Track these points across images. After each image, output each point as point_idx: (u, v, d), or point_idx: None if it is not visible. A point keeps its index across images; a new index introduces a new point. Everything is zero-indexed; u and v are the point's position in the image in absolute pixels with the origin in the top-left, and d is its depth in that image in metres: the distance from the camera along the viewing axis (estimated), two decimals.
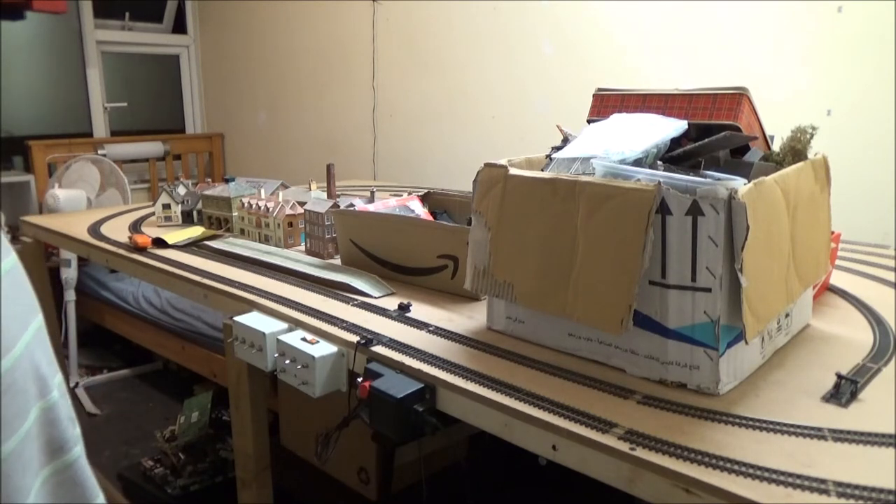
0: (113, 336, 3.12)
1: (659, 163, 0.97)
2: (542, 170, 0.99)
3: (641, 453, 0.70)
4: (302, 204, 1.61)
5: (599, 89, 1.15)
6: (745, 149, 1.03)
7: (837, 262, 1.33)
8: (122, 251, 1.61)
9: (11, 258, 0.53)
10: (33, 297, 0.55)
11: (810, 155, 0.99)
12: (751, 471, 0.66)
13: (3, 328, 0.49)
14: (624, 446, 0.72)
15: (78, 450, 0.57)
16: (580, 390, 0.85)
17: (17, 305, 0.52)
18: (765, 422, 0.76)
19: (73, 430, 0.57)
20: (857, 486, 0.63)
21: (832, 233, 1.08)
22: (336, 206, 1.47)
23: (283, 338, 1.08)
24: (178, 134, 4.12)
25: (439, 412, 0.90)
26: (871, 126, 1.89)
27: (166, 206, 1.92)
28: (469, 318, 1.12)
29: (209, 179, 2.39)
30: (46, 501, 0.53)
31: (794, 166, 0.93)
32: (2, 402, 0.48)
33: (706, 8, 2.17)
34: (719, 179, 0.85)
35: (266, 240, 1.65)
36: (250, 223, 1.70)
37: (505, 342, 1.01)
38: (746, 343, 0.82)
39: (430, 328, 1.08)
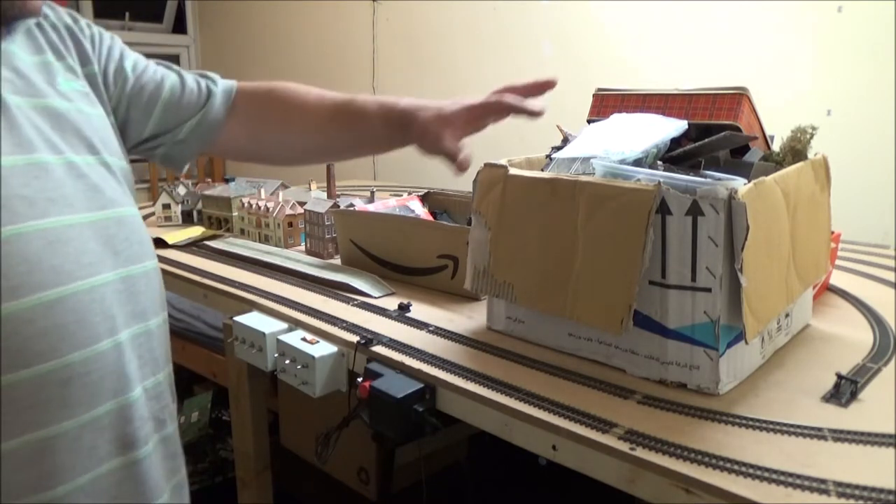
0: None
1: (659, 163, 0.97)
2: (542, 170, 0.99)
3: (641, 453, 0.70)
4: (302, 204, 1.61)
5: (599, 89, 1.15)
6: (745, 149, 1.02)
7: (837, 262, 1.33)
8: None
9: (140, 267, 0.60)
10: (146, 304, 0.61)
11: (810, 155, 0.99)
12: (751, 471, 0.66)
13: (85, 325, 0.53)
14: (624, 446, 0.71)
15: (148, 448, 0.60)
16: (580, 390, 0.85)
17: (120, 309, 0.57)
18: (765, 422, 0.76)
19: (150, 431, 0.60)
20: (857, 486, 0.63)
21: (832, 233, 1.08)
22: (336, 206, 1.47)
23: (283, 338, 1.08)
24: None
25: (439, 412, 0.90)
26: (871, 126, 1.89)
27: (166, 206, 1.92)
28: (469, 318, 1.12)
29: (209, 179, 2.39)
30: (106, 491, 0.56)
31: (794, 166, 0.93)
32: (72, 387, 0.52)
33: (706, 8, 2.17)
34: (719, 179, 0.85)
35: (266, 240, 1.65)
36: (250, 223, 1.70)
37: (505, 342, 1.01)
38: (746, 343, 0.82)
39: (430, 328, 1.08)
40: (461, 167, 0.86)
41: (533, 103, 0.86)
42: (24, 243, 0.50)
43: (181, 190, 1.98)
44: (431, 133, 0.86)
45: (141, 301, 0.59)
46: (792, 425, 0.75)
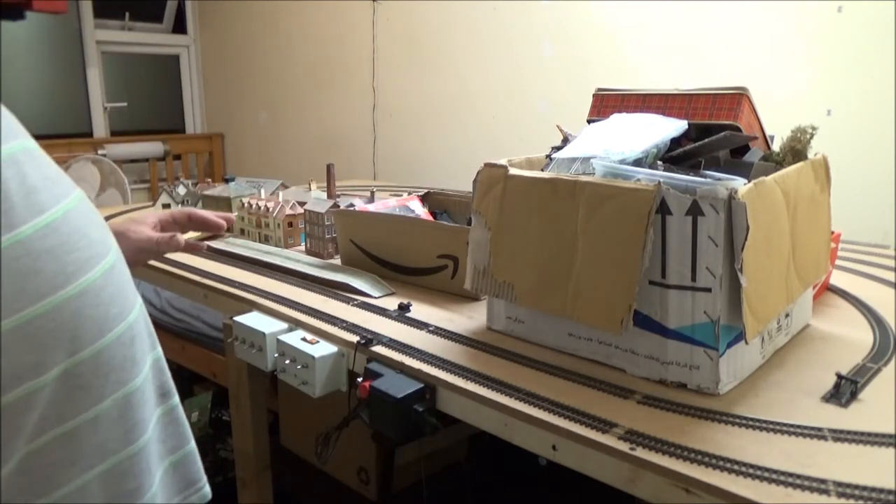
0: None
1: (659, 163, 0.97)
2: (542, 170, 0.99)
3: (641, 453, 0.70)
4: (302, 204, 1.61)
5: (599, 89, 1.15)
6: (745, 149, 1.03)
7: (837, 262, 1.33)
8: None
9: (114, 251, 0.61)
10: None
11: (810, 155, 0.99)
12: (751, 471, 0.66)
13: (128, 288, 0.59)
14: (624, 446, 0.72)
15: (177, 398, 0.67)
16: (580, 390, 0.85)
17: (129, 273, 0.62)
18: (765, 422, 0.76)
19: (172, 382, 0.67)
20: (857, 486, 0.63)
21: (832, 233, 1.08)
22: (336, 206, 1.47)
23: (283, 338, 1.08)
24: (178, 134, 4.12)
25: (439, 412, 0.90)
26: (871, 126, 1.89)
27: (166, 206, 1.92)
28: (469, 318, 1.12)
29: (209, 179, 2.39)
30: (159, 437, 0.63)
31: (794, 166, 0.93)
32: (135, 346, 0.58)
33: (706, 8, 2.17)
34: (719, 179, 0.85)
35: (266, 240, 1.65)
36: (250, 223, 1.70)
37: (505, 342, 1.01)
38: (746, 343, 0.82)
39: (430, 328, 1.08)
40: (174, 246, 1.03)
41: (219, 222, 1.09)
42: (73, 219, 0.53)
43: (181, 190, 1.98)
44: (131, 231, 1.00)
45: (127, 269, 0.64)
46: (792, 425, 0.75)
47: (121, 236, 0.99)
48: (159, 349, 0.64)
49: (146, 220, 1.03)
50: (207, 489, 0.68)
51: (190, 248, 1.07)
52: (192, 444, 0.67)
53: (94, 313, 0.53)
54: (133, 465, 0.57)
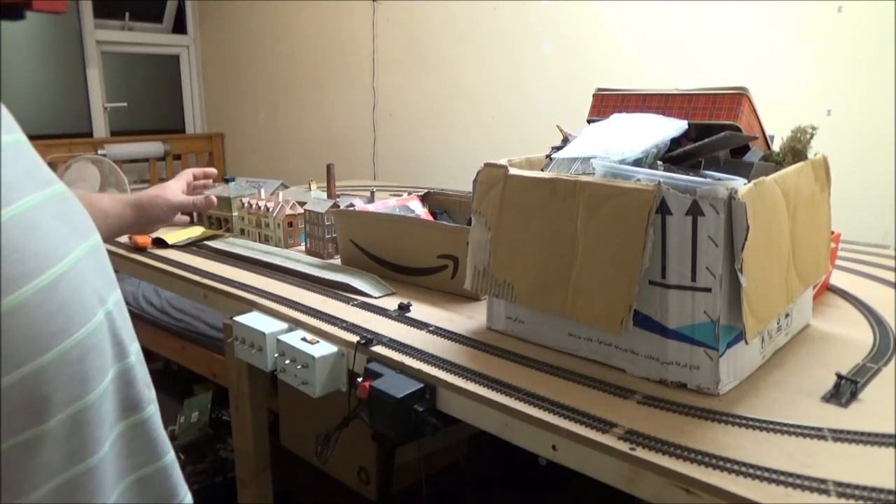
0: None
1: (659, 163, 0.97)
2: (542, 170, 0.99)
3: (641, 453, 0.70)
4: (302, 204, 1.61)
5: (599, 89, 1.15)
6: (745, 149, 1.03)
7: (837, 262, 1.33)
8: (121, 251, 1.61)
9: (95, 238, 0.59)
10: (112, 273, 0.63)
11: (810, 155, 0.99)
12: (751, 471, 0.66)
13: (83, 300, 0.55)
14: (624, 446, 0.72)
15: (151, 409, 0.64)
16: (580, 390, 0.85)
17: (97, 280, 0.58)
18: (765, 422, 0.76)
19: (148, 393, 0.64)
20: (857, 486, 0.63)
21: (832, 233, 1.08)
22: (336, 206, 1.47)
23: (283, 338, 1.08)
24: (178, 134, 4.12)
25: (439, 412, 0.90)
26: (871, 126, 1.89)
27: None
28: (469, 318, 1.12)
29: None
30: (120, 452, 0.60)
31: (794, 166, 0.93)
32: (87, 362, 0.55)
33: (706, 8, 2.17)
34: (719, 179, 0.85)
35: (266, 240, 1.65)
36: (250, 223, 1.70)
37: (505, 342, 1.01)
38: (746, 343, 0.82)
39: (430, 328, 1.08)
40: (204, 206, 1.35)
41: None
42: (5, 234, 0.50)
43: None
44: (169, 193, 1.27)
45: (107, 271, 0.61)
46: (792, 425, 0.75)
47: (158, 198, 1.24)
48: (130, 359, 0.61)
49: (175, 186, 1.28)
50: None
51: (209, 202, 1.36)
52: (168, 458, 0.64)
53: (25, 333, 0.49)
54: (83, 484, 0.55)
